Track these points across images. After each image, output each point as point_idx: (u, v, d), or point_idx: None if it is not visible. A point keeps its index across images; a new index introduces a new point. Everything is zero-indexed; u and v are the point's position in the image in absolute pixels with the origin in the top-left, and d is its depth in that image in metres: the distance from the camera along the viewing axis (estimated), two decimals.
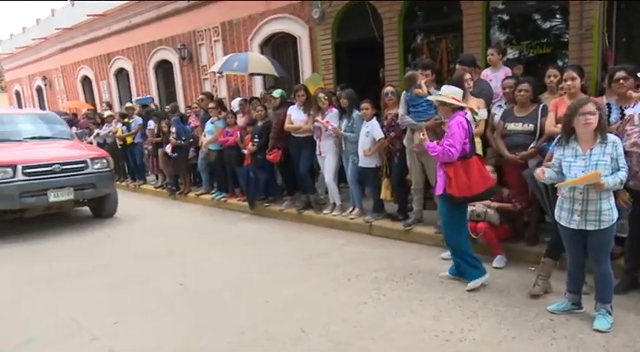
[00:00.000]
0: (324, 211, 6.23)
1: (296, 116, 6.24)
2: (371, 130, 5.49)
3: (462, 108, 3.73)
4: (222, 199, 7.62)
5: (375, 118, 5.55)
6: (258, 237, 5.85)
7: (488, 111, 4.69)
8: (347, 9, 7.60)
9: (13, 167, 6.17)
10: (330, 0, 7.67)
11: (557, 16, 5.72)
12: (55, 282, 4.60)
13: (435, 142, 3.77)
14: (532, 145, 4.24)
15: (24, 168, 6.22)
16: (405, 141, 5.19)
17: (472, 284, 3.81)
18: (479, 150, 4.57)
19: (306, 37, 8.36)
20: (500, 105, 4.71)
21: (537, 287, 3.63)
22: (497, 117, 4.61)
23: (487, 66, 5.37)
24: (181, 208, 7.88)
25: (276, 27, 8.95)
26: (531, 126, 4.28)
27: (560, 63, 5.48)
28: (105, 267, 5.00)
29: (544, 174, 3.10)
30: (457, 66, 4.95)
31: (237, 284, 4.29)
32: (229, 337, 3.28)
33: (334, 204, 6.20)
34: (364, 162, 5.63)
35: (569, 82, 3.97)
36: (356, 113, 5.79)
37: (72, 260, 5.33)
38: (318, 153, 6.13)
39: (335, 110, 5.94)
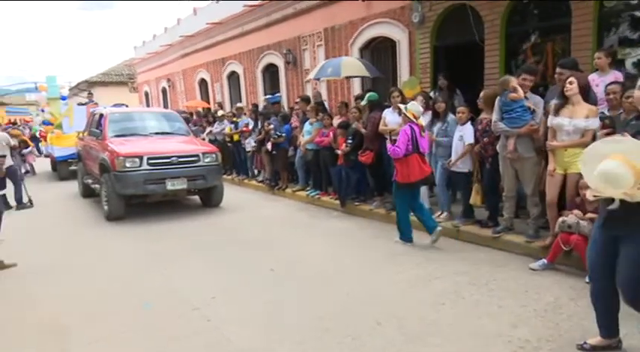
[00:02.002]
0: None
1: (390, 118, 6.38)
2: (464, 135, 5.47)
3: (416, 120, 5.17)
4: (316, 196, 8.01)
5: (469, 123, 5.52)
6: (347, 234, 6.11)
7: None
8: (447, 12, 7.54)
9: (140, 158, 7.12)
10: (430, 0, 7.66)
11: None
12: (167, 259, 5.29)
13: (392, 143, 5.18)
14: None
15: (148, 158, 7.15)
16: (498, 148, 5.09)
17: (397, 239, 5.41)
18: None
19: (405, 40, 8.44)
20: (602, 112, 4.42)
21: None
22: None
23: (596, 70, 5.05)
24: (279, 202, 8.42)
25: (376, 31, 9.13)
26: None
27: None
28: (208, 250, 5.61)
29: None
30: (557, 69, 4.73)
31: (323, 274, 4.58)
32: (310, 321, 3.57)
33: None
34: (456, 166, 5.62)
35: None
36: (451, 117, 5.80)
37: (181, 241, 6.05)
38: None
39: (429, 113, 5.97)
